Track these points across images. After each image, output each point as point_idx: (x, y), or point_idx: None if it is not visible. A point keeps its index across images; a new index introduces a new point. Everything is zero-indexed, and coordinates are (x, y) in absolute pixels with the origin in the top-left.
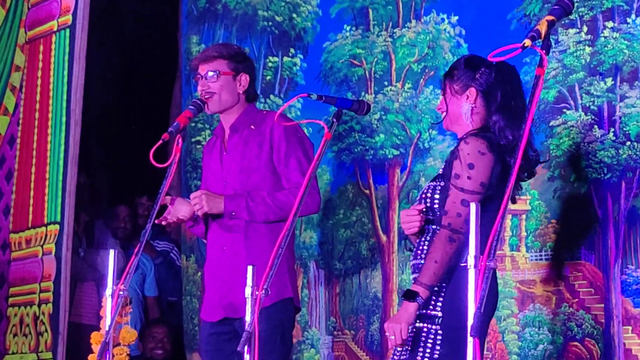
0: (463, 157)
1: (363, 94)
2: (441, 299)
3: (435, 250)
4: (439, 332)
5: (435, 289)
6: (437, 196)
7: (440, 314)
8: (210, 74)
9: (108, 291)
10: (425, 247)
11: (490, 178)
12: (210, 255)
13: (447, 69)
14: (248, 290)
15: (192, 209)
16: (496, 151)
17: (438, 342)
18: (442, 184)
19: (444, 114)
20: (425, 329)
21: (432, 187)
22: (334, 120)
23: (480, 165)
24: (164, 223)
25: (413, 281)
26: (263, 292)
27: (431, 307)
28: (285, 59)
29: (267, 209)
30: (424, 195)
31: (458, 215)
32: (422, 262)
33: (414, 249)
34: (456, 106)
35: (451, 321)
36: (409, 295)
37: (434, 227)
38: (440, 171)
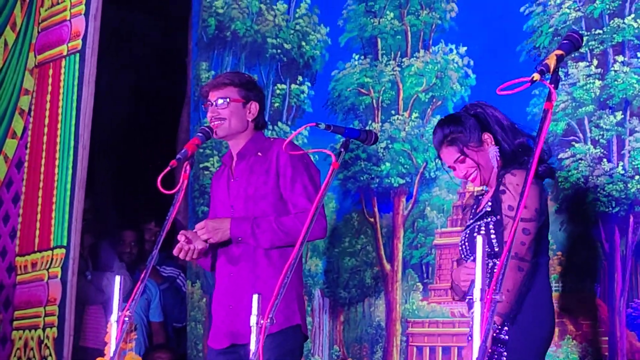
0: (513, 188)
1: (370, 122)
2: (507, 324)
3: (506, 280)
4: (504, 354)
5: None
6: (492, 231)
7: (506, 337)
8: (220, 101)
9: (113, 317)
10: None
11: (542, 205)
12: (218, 282)
13: (448, 139)
14: (253, 319)
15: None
16: (538, 178)
17: None
18: (495, 219)
19: (474, 173)
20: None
21: (483, 224)
22: (342, 149)
23: (531, 193)
24: (181, 256)
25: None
26: (268, 320)
27: (498, 330)
28: (293, 86)
29: (273, 235)
30: (474, 234)
31: (522, 244)
32: None
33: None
34: (485, 157)
35: (515, 345)
36: None
37: (494, 261)
38: (488, 209)
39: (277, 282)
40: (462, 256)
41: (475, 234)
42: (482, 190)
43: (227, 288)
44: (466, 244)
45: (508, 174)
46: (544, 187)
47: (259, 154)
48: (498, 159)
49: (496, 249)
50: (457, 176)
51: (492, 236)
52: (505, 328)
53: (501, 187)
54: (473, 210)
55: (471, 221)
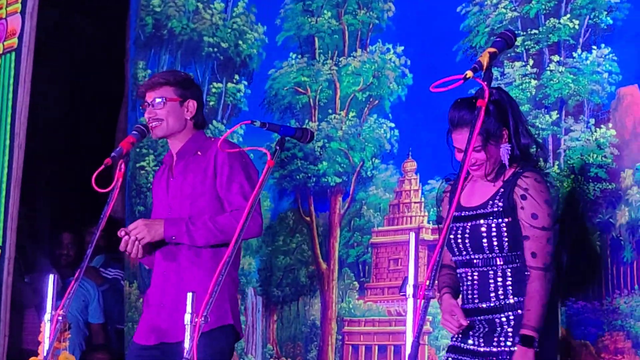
0: (537, 195)
1: (307, 121)
2: (510, 332)
3: (541, 295)
4: None
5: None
6: (505, 234)
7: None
8: (157, 100)
9: (47, 316)
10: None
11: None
12: (153, 280)
13: (464, 117)
14: (187, 317)
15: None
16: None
17: None
18: (507, 220)
19: (481, 164)
20: None
21: (495, 224)
22: (277, 147)
23: (551, 198)
24: (129, 250)
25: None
26: (202, 319)
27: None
28: (230, 85)
29: (207, 233)
30: (483, 236)
31: (549, 254)
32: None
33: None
34: (498, 152)
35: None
36: (527, 341)
37: (511, 267)
38: (495, 208)
39: (209, 281)
40: (453, 251)
41: (483, 233)
42: (450, 180)
43: (160, 286)
44: (466, 241)
45: (528, 178)
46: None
47: (199, 153)
48: (507, 157)
49: (504, 253)
50: (458, 159)
51: (505, 240)
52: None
53: (520, 191)
54: (456, 202)
55: (466, 213)
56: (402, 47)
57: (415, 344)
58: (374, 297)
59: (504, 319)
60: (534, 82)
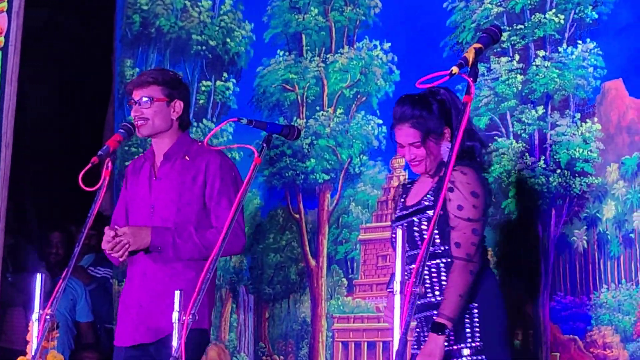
0: (463, 187)
1: (295, 118)
2: (477, 329)
3: (458, 284)
4: None
5: (467, 320)
6: (436, 227)
7: (481, 343)
8: (144, 99)
9: (34, 315)
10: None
11: (488, 207)
12: (129, 280)
13: (414, 120)
14: (175, 315)
15: None
16: (485, 178)
17: None
18: (439, 213)
19: (421, 160)
20: None
21: (425, 218)
22: (264, 145)
23: (482, 192)
24: (115, 250)
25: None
26: (190, 317)
27: (469, 339)
28: (218, 83)
29: (193, 248)
30: (415, 230)
31: (473, 245)
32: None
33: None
34: (439, 149)
35: (493, 348)
36: (438, 328)
37: (444, 261)
38: (428, 202)
39: (193, 284)
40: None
41: (415, 228)
42: (407, 179)
43: (140, 286)
44: (421, 231)
45: (456, 172)
46: (489, 183)
47: (186, 157)
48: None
49: (435, 246)
50: (400, 154)
51: (435, 232)
52: (477, 334)
53: (449, 185)
54: (402, 200)
55: (404, 212)
56: (389, 44)
57: (403, 339)
58: (362, 293)
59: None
60: (520, 77)
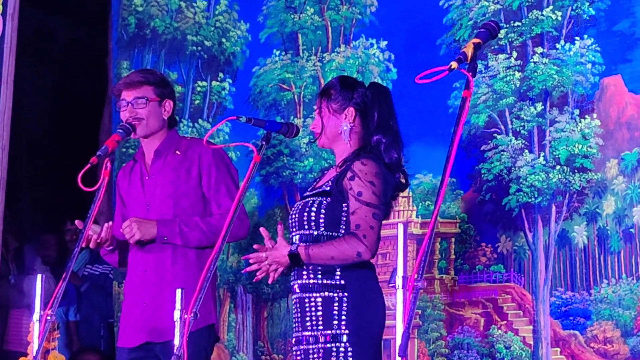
0: (363, 176)
1: (292, 118)
2: (344, 318)
3: (339, 249)
4: (349, 349)
5: (335, 307)
6: (323, 211)
7: (347, 331)
8: (139, 100)
9: (35, 316)
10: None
11: (387, 197)
12: (130, 278)
13: (324, 87)
14: (177, 314)
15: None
16: (388, 172)
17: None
18: (329, 200)
19: (319, 132)
20: (334, 349)
21: (316, 201)
22: (263, 143)
23: (379, 183)
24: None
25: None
26: (192, 315)
27: (335, 326)
28: (214, 83)
29: (200, 234)
30: (299, 210)
31: (371, 228)
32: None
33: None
34: (335, 125)
35: (360, 338)
36: (295, 260)
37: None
38: (325, 187)
39: (196, 280)
40: (290, 227)
41: (307, 209)
42: (328, 167)
43: (141, 285)
44: (295, 217)
45: (358, 162)
46: (390, 180)
47: (177, 152)
48: (349, 137)
49: (320, 230)
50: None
51: (322, 215)
52: (343, 322)
53: (350, 173)
54: (315, 183)
55: (308, 193)
56: (386, 42)
57: (405, 334)
58: None
59: (312, 300)
60: (518, 74)
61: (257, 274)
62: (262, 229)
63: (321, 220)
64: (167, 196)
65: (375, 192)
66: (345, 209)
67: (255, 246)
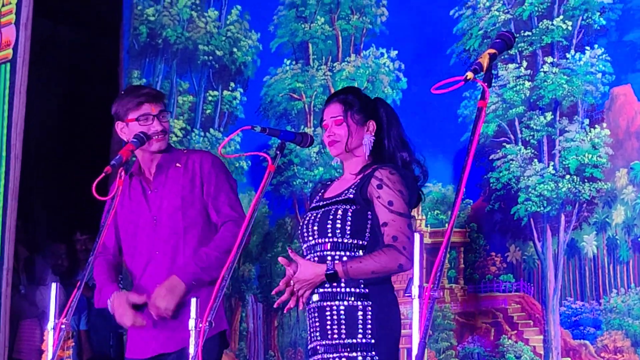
0: (392, 185)
1: (302, 127)
2: (369, 327)
3: (381, 262)
4: (376, 358)
5: (360, 316)
6: (350, 219)
7: (372, 340)
8: (165, 114)
9: (50, 325)
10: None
11: (411, 210)
12: (138, 290)
13: (341, 96)
14: (192, 323)
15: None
16: (414, 184)
17: None
18: (354, 208)
19: (339, 140)
20: (360, 359)
21: (341, 209)
22: (278, 152)
23: (407, 193)
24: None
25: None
26: (207, 324)
27: (360, 335)
28: (225, 92)
29: (216, 261)
30: (329, 219)
31: (408, 239)
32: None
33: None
34: (356, 136)
35: (384, 347)
36: (332, 276)
37: (340, 253)
38: (350, 196)
39: (205, 289)
40: (302, 238)
41: (330, 217)
42: (330, 179)
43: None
44: (314, 226)
45: (385, 170)
46: (416, 193)
47: (177, 165)
48: (369, 149)
49: (346, 237)
50: (324, 137)
51: (348, 223)
52: (369, 330)
53: (375, 181)
54: (320, 195)
55: (321, 203)
56: (396, 52)
57: (422, 344)
58: None
59: (334, 308)
60: (528, 84)
61: (290, 304)
62: (280, 258)
63: (347, 228)
64: (176, 209)
65: (406, 201)
66: (370, 216)
67: (282, 261)
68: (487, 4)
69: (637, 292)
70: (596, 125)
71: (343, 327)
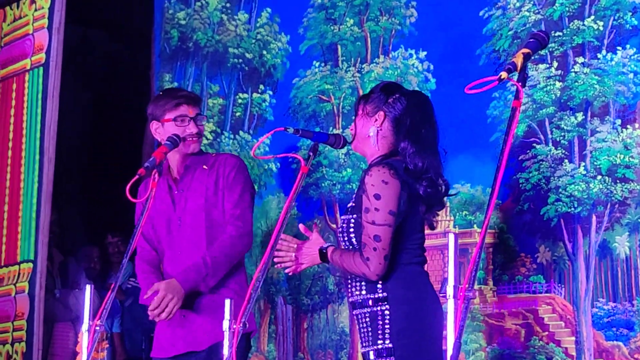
0: (369, 189)
1: (331, 129)
2: (388, 331)
3: (349, 262)
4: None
5: (379, 321)
6: (352, 230)
7: (391, 345)
8: (201, 117)
9: (84, 327)
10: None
11: (399, 205)
12: None
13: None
14: (226, 324)
15: None
16: (401, 177)
17: None
18: (355, 216)
19: (353, 136)
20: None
21: (345, 221)
22: (311, 154)
23: (386, 194)
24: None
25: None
26: (241, 325)
27: (380, 341)
28: (255, 95)
29: (219, 269)
30: (340, 230)
31: (374, 250)
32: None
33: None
34: (364, 128)
35: (405, 351)
36: (323, 257)
37: None
38: (352, 204)
39: (231, 290)
40: (342, 244)
41: (342, 229)
42: None
43: None
44: (344, 234)
45: (366, 174)
46: (403, 186)
47: (204, 167)
48: (376, 141)
49: (356, 248)
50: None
51: (352, 235)
52: (387, 334)
53: (362, 187)
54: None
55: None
56: (425, 52)
57: (457, 344)
58: None
59: (362, 317)
60: (558, 84)
61: (284, 264)
62: (300, 225)
63: (353, 240)
64: (200, 210)
65: (379, 207)
66: None
67: (301, 228)
68: (518, 4)
69: None
70: (628, 126)
71: (370, 334)
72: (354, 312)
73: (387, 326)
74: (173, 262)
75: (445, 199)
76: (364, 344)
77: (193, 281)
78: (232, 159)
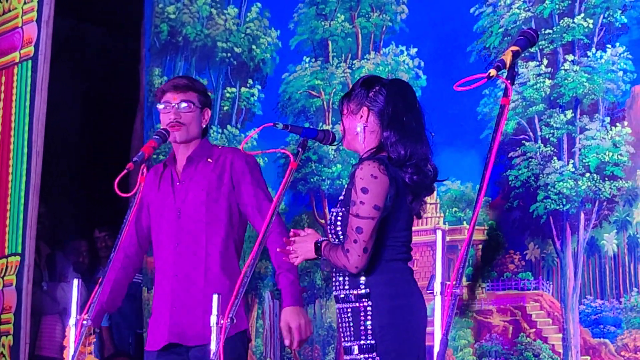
0: (357, 182)
1: (321, 124)
2: (370, 327)
3: (333, 255)
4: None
5: (362, 317)
6: (339, 223)
7: (373, 341)
8: (184, 105)
9: (72, 321)
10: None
11: (385, 201)
12: (160, 283)
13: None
14: (213, 319)
15: None
16: (391, 174)
17: None
18: (343, 210)
19: (343, 134)
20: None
21: (334, 213)
22: (300, 149)
23: (373, 188)
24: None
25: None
26: (229, 320)
27: (363, 337)
28: (243, 89)
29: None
30: (328, 223)
31: (355, 242)
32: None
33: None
34: (351, 126)
35: (388, 347)
36: (317, 251)
37: None
38: (342, 197)
39: (225, 286)
40: (330, 237)
41: (331, 221)
42: None
43: (172, 290)
44: (331, 226)
45: (357, 168)
46: (391, 181)
47: (209, 160)
48: (363, 137)
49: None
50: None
51: (338, 227)
52: (370, 330)
53: (352, 180)
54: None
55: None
56: (416, 49)
57: (444, 341)
58: None
59: (344, 312)
60: (548, 82)
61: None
62: (292, 230)
63: (339, 232)
64: (200, 203)
65: (364, 201)
66: None
67: (291, 232)
68: (508, 1)
69: None
70: (617, 124)
71: (352, 329)
72: (337, 306)
73: (369, 322)
74: (168, 252)
75: (434, 184)
76: (345, 339)
77: (297, 292)
78: (240, 156)
